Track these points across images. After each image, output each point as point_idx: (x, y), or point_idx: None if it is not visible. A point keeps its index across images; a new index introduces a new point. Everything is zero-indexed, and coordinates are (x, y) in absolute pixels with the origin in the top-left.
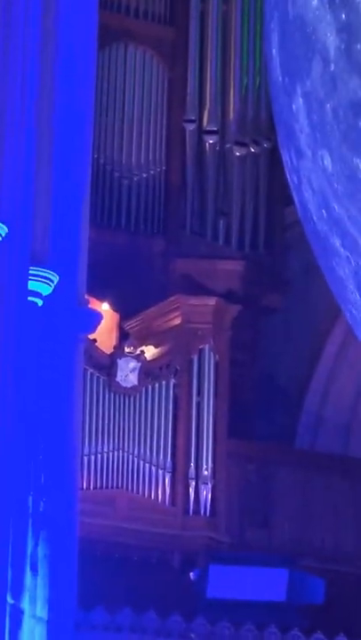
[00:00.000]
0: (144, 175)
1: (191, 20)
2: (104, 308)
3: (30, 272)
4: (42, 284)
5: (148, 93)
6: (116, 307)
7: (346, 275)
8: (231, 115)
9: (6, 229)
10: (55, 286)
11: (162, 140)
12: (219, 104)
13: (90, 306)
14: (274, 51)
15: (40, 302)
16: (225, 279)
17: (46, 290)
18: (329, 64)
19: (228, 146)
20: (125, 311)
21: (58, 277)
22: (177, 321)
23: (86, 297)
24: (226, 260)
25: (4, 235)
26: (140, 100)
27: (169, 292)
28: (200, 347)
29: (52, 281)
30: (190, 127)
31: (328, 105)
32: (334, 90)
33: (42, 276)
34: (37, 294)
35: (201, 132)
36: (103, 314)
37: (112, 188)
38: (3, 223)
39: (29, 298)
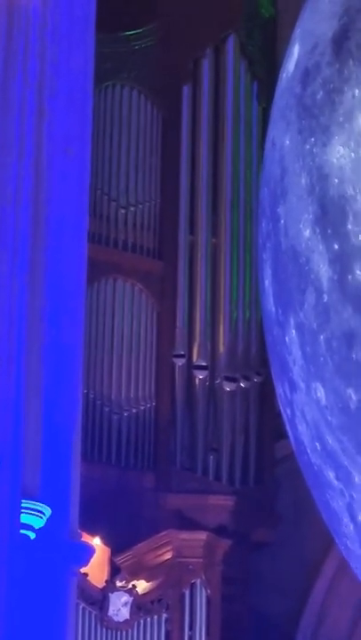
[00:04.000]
0: (134, 410)
1: (180, 253)
2: (95, 542)
3: (22, 505)
4: (34, 516)
5: (138, 327)
6: (107, 541)
7: (340, 507)
8: (221, 349)
9: None
10: (47, 519)
11: (151, 375)
12: (208, 338)
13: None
14: (267, 282)
15: (32, 535)
16: (215, 514)
17: (38, 523)
18: (322, 295)
19: (217, 381)
20: (117, 545)
21: (50, 510)
22: (168, 555)
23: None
24: (216, 494)
25: None
26: (128, 335)
27: (160, 526)
28: (192, 581)
29: (43, 514)
30: (180, 362)
31: (321, 336)
32: (328, 321)
33: (34, 509)
34: (29, 527)
35: (190, 366)
36: (95, 548)
37: (102, 422)
38: None
39: (22, 531)
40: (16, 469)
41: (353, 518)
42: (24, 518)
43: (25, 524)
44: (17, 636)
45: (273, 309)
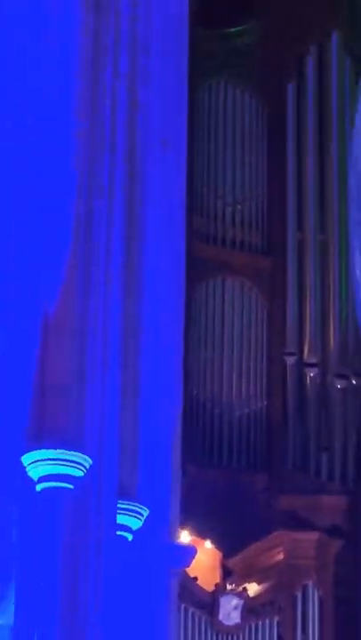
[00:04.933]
0: (245, 410)
1: (288, 250)
2: (207, 546)
3: (119, 506)
4: (131, 517)
5: (248, 326)
6: (218, 544)
7: None
8: (332, 347)
9: (90, 461)
10: (146, 519)
11: (262, 374)
12: (319, 336)
13: (183, 540)
14: (358, 271)
15: (130, 537)
16: (329, 514)
17: (136, 524)
18: None
19: (328, 378)
20: (228, 548)
21: (148, 511)
22: (280, 557)
23: (188, 534)
24: (330, 494)
25: (88, 467)
26: (239, 333)
27: (273, 528)
28: (304, 583)
29: (141, 515)
30: (291, 360)
31: None
32: None
33: (131, 510)
34: (127, 528)
35: (302, 364)
36: (206, 552)
37: (213, 425)
38: (87, 455)
39: (119, 532)
40: (112, 469)
41: None
42: (121, 519)
43: (122, 525)
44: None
45: None
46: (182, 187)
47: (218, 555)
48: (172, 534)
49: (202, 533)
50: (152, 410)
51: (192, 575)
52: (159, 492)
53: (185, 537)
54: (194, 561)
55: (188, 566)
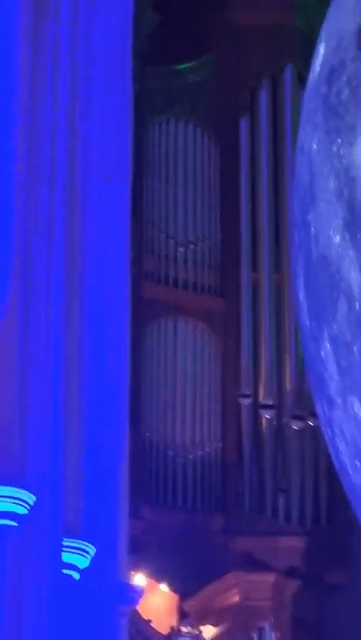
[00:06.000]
0: (199, 453)
1: (243, 290)
2: (162, 589)
3: (65, 543)
4: (77, 555)
5: (201, 367)
6: (175, 587)
7: None
8: (288, 387)
9: (34, 498)
10: (93, 558)
11: (217, 416)
12: (275, 377)
13: (139, 583)
14: (301, 295)
15: (77, 575)
16: (286, 556)
17: (83, 562)
18: (354, 303)
19: (285, 420)
20: (185, 591)
21: (94, 549)
22: (235, 598)
23: (143, 577)
24: (287, 536)
25: (32, 504)
26: (192, 375)
27: (229, 570)
28: (260, 624)
29: (87, 553)
30: (246, 402)
31: (356, 347)
32: None
33: (77, 548)
34: (74, 567)
35: (257, 406)
36: (162, 595)
37: (166, 466)
38: (30, 491)
39: (65, 570)
40: (57, 506)
41: None
42: (67, 557)
43: (68, 564)
44: None
45: (307, 323)
46: (126, 222)
47: (174, 598)
48: (122, 573)
49: (158, 576)
50: (96, 448)
51: (147, 618)
52: (106, 530)
53: (140, 580)
54: (149, 604)
55: (137, 605)
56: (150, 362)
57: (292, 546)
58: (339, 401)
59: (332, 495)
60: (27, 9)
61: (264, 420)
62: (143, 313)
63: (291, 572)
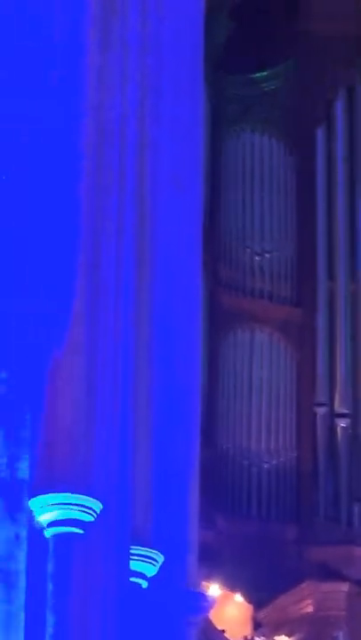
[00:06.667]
0: (274, 462)
1: (319, 300)
2: (237, 599)
3: (133, 552)
4: (145, 564)
5: (277, 377)
6: (249, 597)
7: None
8: None
9: (101, 505)
10: (162, 567)
11: (292, 425)
12: (350, 386)
13: (213, 593)
14: None
15: (145, 583)
16: None
17: (151, 570)
18: None
19: (360, 429)
20: (259, 601)
21: (163, 557)
22: (309, 608)
23: (218, 588)
24: None
25: (98, 511)
26: (268, 384)
27: (303, 580)
28: (334, 634)
29: (156, 561)
30: (321, 411)
31: None
32: None
33: (145, 556)
34: (141, 575)
35: (333, 415)
36: (236, 605)
37: (242, 476)
38: (96, 498)
39: (133, 579)
40: (125, 513)
41: None
42: (135, 565)
43: (136, 572)
44: None
45: None
46: (198, 232)
47: (248, 608)
48: (191, 582)
49: (232, 586)
50: (166, 456)
51: (221, 628)
52: (175, 538)
53: (215, 590)
54: (223, 614)
55: (208, 614)
56: (227, 371)
57: None
58: None
59: None
60: (96, 6)
61: (339, 429)
62: (220, 323)
63: None
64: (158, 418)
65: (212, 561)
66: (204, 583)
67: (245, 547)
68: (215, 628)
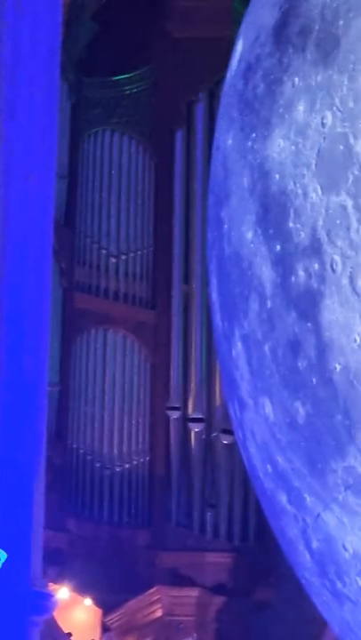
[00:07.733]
0: (127, 465)
1: (174, 303)
2: (86, 603)
3: None
4: None
5: (130, 379)
6: (99, 601)
7: (295, 535)
8: (218, 401)
9: None
10: (3, 565)
11: (145, 429)
12: (204, 390)
13: (62, 597)
14: (214, 294)
15: None
16: (213, 572)
17: None
18: (266, 301)
19: (214, 434)
20: (109, 606)
21: (6, 555)
22: (158, 613)
23: (67, 591)
24: (214, 552)
25: None
26: (121, 387)
27: (154, 585)
28: None
29: None
30: (175, 415)
31: (266, 346)
32: (272, 329)
33: None
34: None
35: (186, 419)
36: (86, 609)
37: (93, 478)
38: None
39: None
40: None
41: (308, 546)
42: None
43: None
44: None
45: (220, 323)
46: (49, 225)
47: (98, 612)
48: (35, 583)
49: (82, 589)
50: (10, 456)
51: (68, 631)
52: (19, 537)
53: (63, 593)
54: (72, 618)
55: (51, 614)
56: (79, 372)
57: (219, 562)
58: (250, 402)
59: (261, 511)
60: None
61: (193, 434)
62: (73, 323)
63: (217, 589)
64: (3, 416)
65: (63, 564)
66: (52, 585)
67: (97, 550)
68: (61, 631)
